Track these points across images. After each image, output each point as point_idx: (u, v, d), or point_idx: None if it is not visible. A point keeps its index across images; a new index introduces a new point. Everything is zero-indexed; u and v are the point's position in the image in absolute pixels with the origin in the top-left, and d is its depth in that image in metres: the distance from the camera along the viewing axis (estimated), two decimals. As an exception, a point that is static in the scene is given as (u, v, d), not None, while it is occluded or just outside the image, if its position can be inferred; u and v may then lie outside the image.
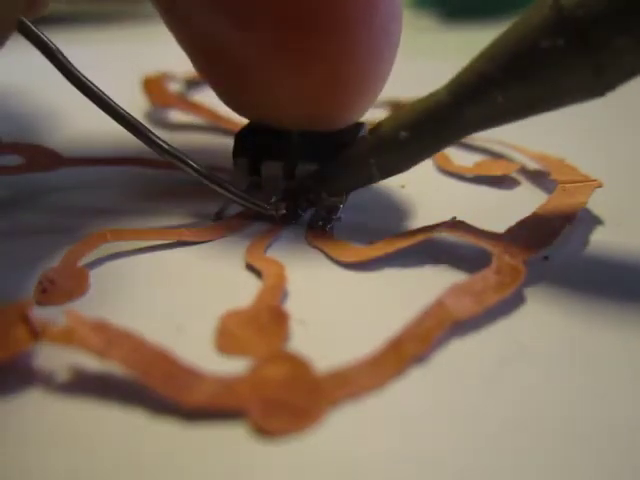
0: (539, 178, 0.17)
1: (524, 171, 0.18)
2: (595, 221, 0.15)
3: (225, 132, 0.21)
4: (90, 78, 0.15)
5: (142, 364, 0.10)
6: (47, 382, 0.11)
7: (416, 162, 0.14)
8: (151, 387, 0.10)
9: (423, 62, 0.26)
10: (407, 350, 0.11)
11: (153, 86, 0.24)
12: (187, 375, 0.10)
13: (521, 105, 0.13)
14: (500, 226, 0.14)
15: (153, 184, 0.17)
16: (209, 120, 0.22)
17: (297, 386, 0.10)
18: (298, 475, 0.09)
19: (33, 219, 0.16)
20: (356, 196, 0.16)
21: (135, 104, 0.22)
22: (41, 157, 0.18)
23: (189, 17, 0.15)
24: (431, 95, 0.14)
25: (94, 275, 0.13)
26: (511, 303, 0.12)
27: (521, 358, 0.11)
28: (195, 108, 0.22)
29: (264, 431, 0.10)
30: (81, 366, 0.11)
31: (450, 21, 0.38)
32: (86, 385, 0.11)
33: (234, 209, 0.16)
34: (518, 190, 0.17)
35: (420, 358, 0.11)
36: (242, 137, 0.16)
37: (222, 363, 0.11)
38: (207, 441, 0.10)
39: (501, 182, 0.17)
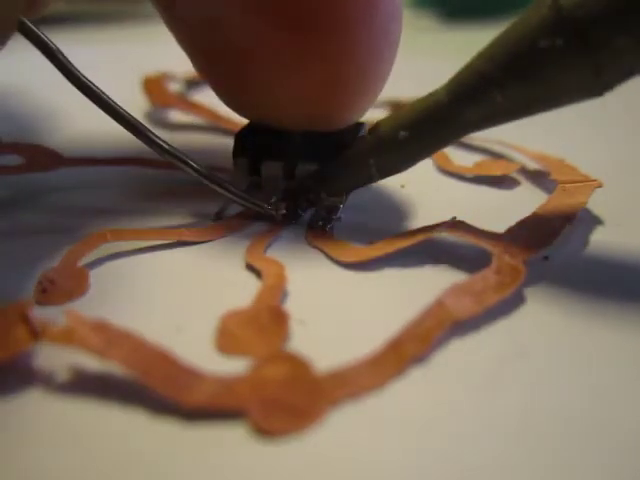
0: (539, 178, 0.17)
1: (524, 171, 0.18)
2: (595, 221, 0.15)
3: (225, 132, 0.21)
4: (90, 78, 0.15)
5: (142, 364, 0.10)
6: (47, 382, 0.11)
7: (415, 162, 0.14)
8: (151, 387, 0.10)
9: (423, 62, 0.26)
10: (407, 350, 0.11)
11: (153, 86, 0.24)
12: (187, 375, 0.10)
13: (520, 105, 0.13)
14: (500, 226, 0.14)
15: (153, 184, 0.17)
16: (209, 120, 0.22)
17: (297, 386, 0.10)
18: (298, 475, 0.09)
19: (33, 219, 0.16)
20: (356, 196, 0.16)
21: (135, 104, 0.22)
22: (41, 157, 0.18)
23: (189, 17, 0.15)
24: (430, 95, 0.14)
25: (94, 275, 0.13)
26: (511, 303, 0.12)
27: (521, 358, 0.11)
28: (195, 108, 0.22)
29: (264, 431, 0.10)
30: (81, 366, 0.11)
31: (450, 21, 0.38)
32: (86, 385, 0.11)
33: (234, 209, 0.16)
34: (518, 190, 0.17)
35: (420, 358, 0.11)
36: (242, 137, 0.16)
37: (222, 363, 0.11)
38: (207, 441, 0.10)
39: (501, 182, 0.17)
